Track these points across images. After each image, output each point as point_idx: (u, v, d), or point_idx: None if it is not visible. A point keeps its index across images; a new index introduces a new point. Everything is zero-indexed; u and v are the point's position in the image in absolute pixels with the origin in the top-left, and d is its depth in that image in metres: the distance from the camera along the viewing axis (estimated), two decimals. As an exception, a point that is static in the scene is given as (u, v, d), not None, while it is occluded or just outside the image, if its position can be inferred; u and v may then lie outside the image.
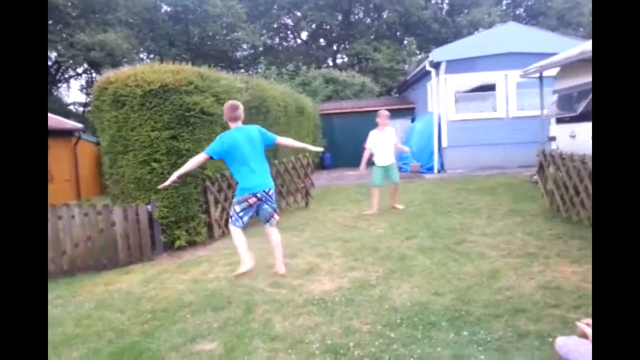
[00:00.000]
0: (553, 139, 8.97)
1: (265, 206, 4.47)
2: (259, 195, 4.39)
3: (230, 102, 4.60)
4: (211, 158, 4.48)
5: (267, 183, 4.47)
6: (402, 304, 3.65)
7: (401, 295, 3.85)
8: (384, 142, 7.61)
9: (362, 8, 36.14)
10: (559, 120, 8.60)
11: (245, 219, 4.48)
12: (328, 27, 35.05)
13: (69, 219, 5.57)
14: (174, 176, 4.55)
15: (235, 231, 4.46)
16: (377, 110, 7.94)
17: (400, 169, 14.50)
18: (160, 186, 4.88)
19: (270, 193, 4.48)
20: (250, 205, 4.43)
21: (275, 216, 4.57)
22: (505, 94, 13.11)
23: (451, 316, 3.35)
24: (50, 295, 4.69)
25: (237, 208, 4.43)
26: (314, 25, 34.70)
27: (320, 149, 5.69)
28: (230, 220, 4.52)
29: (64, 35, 23.21)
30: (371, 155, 7.70)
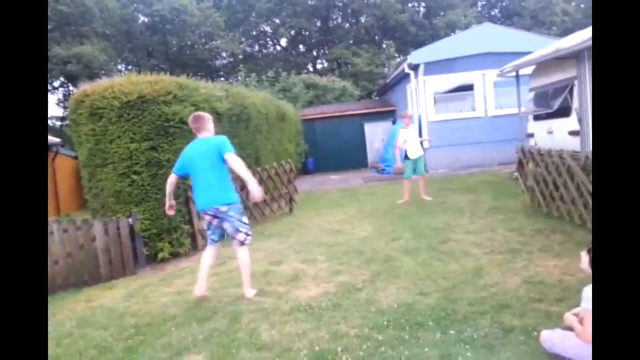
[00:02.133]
0: (531, 135, 9.12)
1: (226, 224, 4.12)
2: (210, 212, 4.09)
3: (194, 113, 4.36)
4: (181, 177, 4.31)
5: (218, 199, 4.04)
6: (389, 305, 3.65)
7: (387, 297, 3.85)
8: (412, 137, 8.47)
9: (340, 13, 36.42)
10: (536, 117, 8.75)
11: (214, 237, 4.25)
12: (307, 33, 35.22)
13: (48, 235, 5.44)
14: (169, 202, 4.36)
15: (206, 250, 4.32)
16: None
17: (383, 171, 14.61)
18: (169, 212, 4.47)
19: (223, 210, 4.05)
20: (210, 223, 4.17)
21: (239, 236, 4.12)
22: (483, 93, 13.31)
23: (437, 315, 3.35)
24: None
25: (204, 225, 4.28)
26: (292, 32, 34.82)
27: (256, 196, 3.98)
28: (250, 237, 4.28)
29: (39, 49, 22.84)
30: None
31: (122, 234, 5.66)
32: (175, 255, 6.07)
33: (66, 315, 4.41)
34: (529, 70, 8.96)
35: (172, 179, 4.30)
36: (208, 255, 4.29)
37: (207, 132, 4.24)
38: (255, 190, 3.89)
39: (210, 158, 4.02)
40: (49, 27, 23.57)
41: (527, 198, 6.90)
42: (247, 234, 4.19)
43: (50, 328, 4.08)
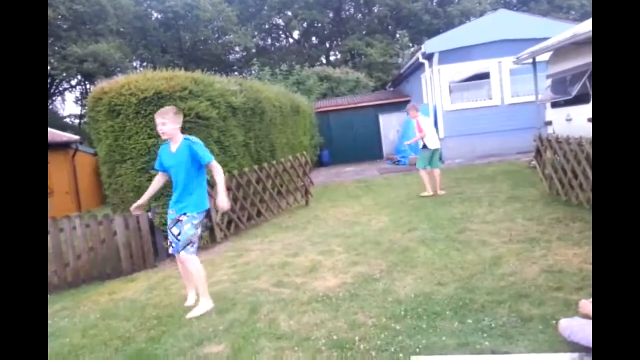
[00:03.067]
0: (549, 123, 8.97)
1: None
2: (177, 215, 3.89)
3: (173, 107, 4.05)
4: (165, 171, 4.00)
5: (182, 206, 3.84)
6: (406, 295, 3.67)
7: (405, 287, 3.86)
8: (430, 128, 8.29)
9: (353, 4, 36.14)
10: (554, 105, 8.60)
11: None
12: (319, 25, 35.07)
13: (71, 230, 5.58)
14: (143, 199, 4.14)
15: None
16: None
17: (398, 162, 14.55)
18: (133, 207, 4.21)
19: (180, 219, 3.85)
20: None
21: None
22: (500, 81, 13.12)
23: (455, 305, 3.36)
24: (56, 307, 4.71)
25: (199, 231, 4.00)
26: (305, 24, 34.71)
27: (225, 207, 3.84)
28: (191, 248, 3.86)
29: (56, 48, 23.25)
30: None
31: (142, 228, 5.77)
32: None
33: (90, 307, 4.53)
34: (546, 56, 8.79)
35: (158, 176, 4.13)
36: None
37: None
38: (222, 198, 3.76)
39: (184, 161, 3.82)
40: (65, 26, 23.97)
41: (546, 186, 6.81)
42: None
43: (75, 320, 4.21)
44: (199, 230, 3.95)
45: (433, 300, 3.50)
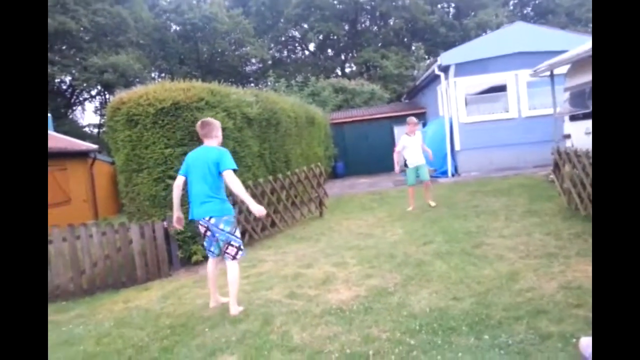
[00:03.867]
0: (568, 136, 8.85)
1: (217, 236, 4.04)
2: (202, 223, 4.04)
3: (202, 119, 4.26)
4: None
5: (207, 211, 3.94)
6: (421, 310, 3.61)
7: (420, 301, 3.81)
8: (413, 145, 8.36)
9: (369, 16, 36.36)
10: (573, 118, 8.49)
11: (213, 248, 4.16)
12: (335, 37, 35.32)
13: (87, 238, 5.65)
14: (177, 213, 4.23)
15: (208, 262, 4.27)
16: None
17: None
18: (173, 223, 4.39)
19: (213, 222, 3.96)
20: (205, 235, 4.11)
21: (230, 250, 4.02)
22: (517, 94, 13.00)
23: (471, 320, 3.29)
24: (71, 314, 4.76)
25: (205, 239, 4.16)
26: (321, 36, 34.98)
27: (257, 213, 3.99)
28: (241, 252, 4.13)
29: (78, 59, 23.83)
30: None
31: (158, 237, 5.81)
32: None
33: (105, 315, 4.56)
34: (564, 69, 8.70)
35: (179, 182, 4.16)
36: (210, 267, 4.24)
37: (214, 139, 4.14)
38: (255, 210, 3.91)
39: (209, 169, 3.94)
40: (87, 38, 24.56)
41: (564, 201, 6.69)
42: (240, 249, 4.08)
43: (90, 327, 4.24)
44: (238, 233, 4.12)
45: (449, 315, 3.45)
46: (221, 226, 3.97)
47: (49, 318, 4.69)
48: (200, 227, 4.12)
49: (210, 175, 3.95)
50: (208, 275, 4.28)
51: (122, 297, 5.20)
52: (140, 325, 4.09)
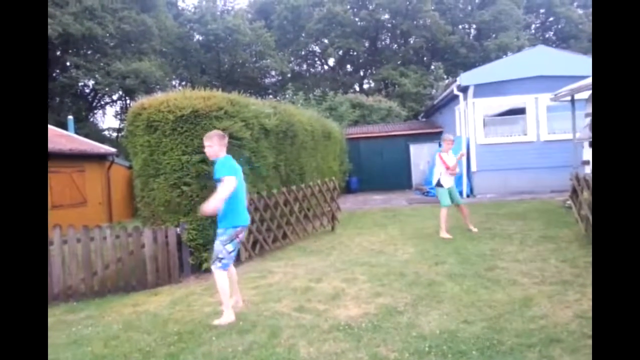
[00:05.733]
0: (587, 162, 8.73)
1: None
2: (245, 228, 4.30)
3: (218, 131, 4.40)
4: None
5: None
6: (431, 331, 3.56)
7: (430, 322, 3.75)
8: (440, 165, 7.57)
9: (389, 34, 36.59)
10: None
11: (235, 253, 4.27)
12: (355, 53, 35.59)
13: (101, 240, 5.71)
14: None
15: (224, 274, 4.15)
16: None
17: (428, 193, 14.36)
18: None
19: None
20: (239, 238, 4.23)
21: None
22: (536, 117, 12.91)
23: (482, 345, 3.23)
24: (81, 315, 4.79)
25: (230, 247, 4.12)
26: (341, 52, 35.29)
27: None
28: (219, 263, 4.08)
29: (102, 64, 24.33)
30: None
31: (170, 243, 5.84)
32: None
33: (114, 318, 4.58)
34: (585, 94, 8.62)
35: (234, 183, 4.08)
36: (233, 270, 4.39)
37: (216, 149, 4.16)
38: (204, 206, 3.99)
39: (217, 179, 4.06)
40: (112, 44, 25.10)
41: (582, 228, 6.57)
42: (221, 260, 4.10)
43: (99, 329, 4.25)
44: (228, 247, 4.10)
45: (459, 338, 3.38)
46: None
47: (60, 318, 4.73)
48: (243, 232, 4.29)
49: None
50: (233, 278, 4.39)
51: (132, 300, 5.22)
52: (148, 330, 4.09)
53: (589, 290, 4.23)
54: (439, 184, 7.59)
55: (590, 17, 32.32)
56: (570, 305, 3.89)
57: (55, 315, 4.81)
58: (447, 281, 4.85)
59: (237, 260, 6.44)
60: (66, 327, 4.40)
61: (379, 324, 3.79)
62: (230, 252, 4.12)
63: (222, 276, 4.08)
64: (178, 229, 5.91)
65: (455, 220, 8.20)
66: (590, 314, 3.64)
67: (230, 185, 3.94)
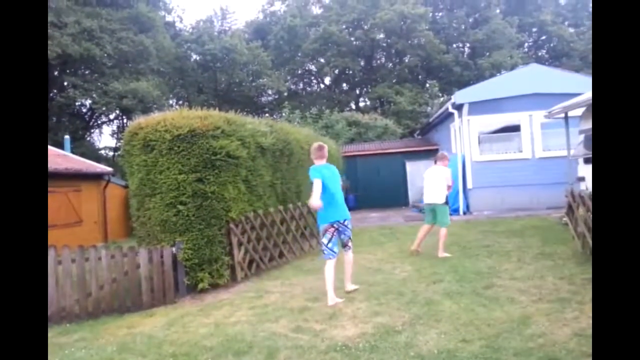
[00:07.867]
0: (582, 179, 8.77)
1: (342, 235, 5.23)
2: (335, 225, 5.11)
3: (319, 143, 5.39)
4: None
5: (345, 214, 5.20)
6: (429, 351, 3.52)
7: (427, 342, 3.72)
8: (432, 180, 7.46)
9: (384, 53, 37.03)
10: (587, 161, 8.44)
11: (336, 248, 5.15)
12: (351, 72, 35.93)
13: (96, 260, 5.66)
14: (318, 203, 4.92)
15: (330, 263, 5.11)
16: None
17: (422, 210, 14.35)
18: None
19: (345, 223, 5.19)
20: (333, 235, 5.12)
21: (350, 243, 5.36)
22: (531, 134, 13.01)
23: (481, 365, 3.20)
24: (75, 337, 4.72)
25: (325, 240, 5.11)
26: (337, 71, 35.64)
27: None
28: (323, 254, 5.14)
29: (99, 84, 24.45)
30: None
31: (165, 263, 5.80)
32: (214, 287, 6.13)
33: (108, 339, 4.52)
34: (578, 112, 8.72)
35: (321, 183, 4.97)
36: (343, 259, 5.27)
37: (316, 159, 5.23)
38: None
39: (338, 180, 5.22)
40: (109, 64, 25.27)
41: (578, 245, 6.57)
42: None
43: (92, 351, 4.19)
44: (324, 240, 5.12)
45: (457, 357, 3.35)
46: (348, 225, 5.28)
47: (53, 340, 4.66)
48: (331, 228, 5.10)
49: (339, 185, 5.29)
50: (331, 278, 5.05)
51: (127, 322, 5.15)
52: (142, 352, 4.04)
53: (586, 308, 4.21)
54: (446, 202, 7.36)
55: (581, 36, 32.93)
56: (569, 323, 3.86)
57: (48, 338, 4.74)
58: (445, 299, 4.82)
59: (233, 280, 6.41)
60: (59, 349, 4.33)
61: (377, 343, 3.75)
62: (327, 245, 5.06)
63: (326, 265, 5.07)
64: (174, 249, 5.87)
65: (454, 238, 8.19)
66: (589, 332, 3.62)
67: (315, 185, 4.88)
